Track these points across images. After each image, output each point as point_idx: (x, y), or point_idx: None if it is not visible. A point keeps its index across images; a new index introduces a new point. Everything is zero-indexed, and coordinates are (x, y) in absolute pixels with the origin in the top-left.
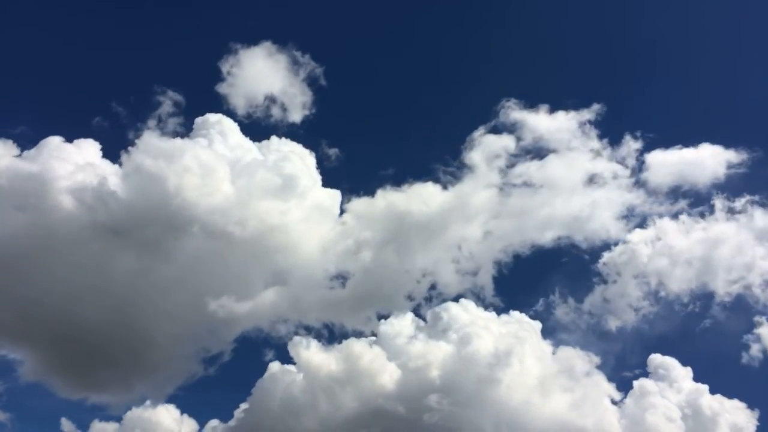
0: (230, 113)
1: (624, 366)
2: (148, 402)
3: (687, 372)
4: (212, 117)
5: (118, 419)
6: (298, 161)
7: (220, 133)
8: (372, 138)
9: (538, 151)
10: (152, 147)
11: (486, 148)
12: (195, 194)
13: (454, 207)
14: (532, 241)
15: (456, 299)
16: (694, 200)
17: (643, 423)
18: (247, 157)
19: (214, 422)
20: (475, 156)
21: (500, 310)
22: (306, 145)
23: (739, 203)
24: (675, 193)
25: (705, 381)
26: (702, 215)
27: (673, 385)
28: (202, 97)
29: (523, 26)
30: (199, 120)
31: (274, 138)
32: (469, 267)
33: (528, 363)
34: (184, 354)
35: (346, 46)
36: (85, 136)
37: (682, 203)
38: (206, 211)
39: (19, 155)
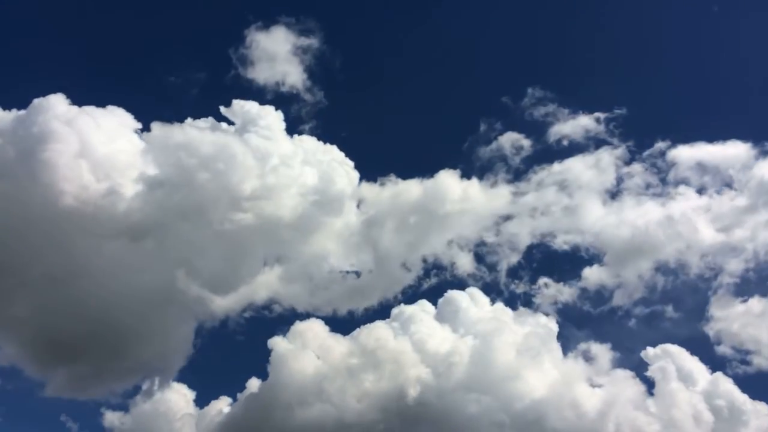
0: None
1: (642, 357)
2: (156, 386)
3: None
4: (248, 105)
5: (126, 408)
6: (345, 178)
7: (267, 128)
8: (390, 126)
9: (559, 151)
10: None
11: (507, 145)
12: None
13: (470, 199)
14: (550, 239)
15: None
16: (718, 193)
17: (670, 415)
18: (291, 163)
19: (224, 400)
20: (496, 152)
21: (513, 306)
22: (321, 130)
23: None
24: (700, 187)
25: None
26: (725, 205)
27: (692, 377)
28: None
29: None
30: (237, 107)
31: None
32: (481, 259)
33: (544, 357)
34: (191, 336)
35: (366, 33)
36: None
37: (706, 196)
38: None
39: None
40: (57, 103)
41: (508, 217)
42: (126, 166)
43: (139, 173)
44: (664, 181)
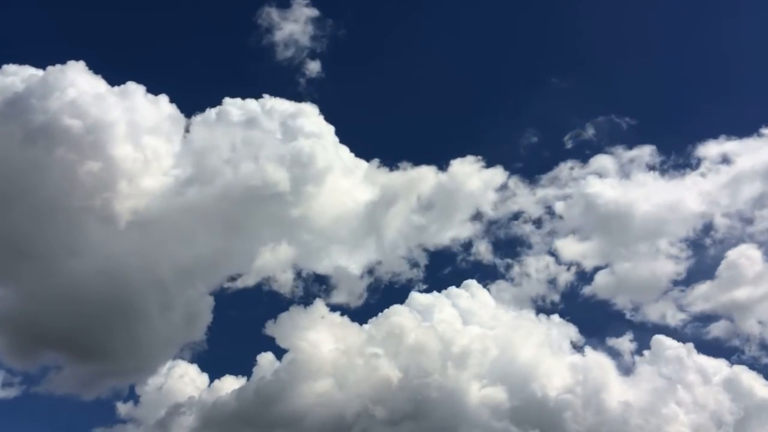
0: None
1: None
2: (167, 371)
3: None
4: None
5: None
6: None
7: (318, 135)
8: (410, 113)
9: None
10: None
11: (527, 138)
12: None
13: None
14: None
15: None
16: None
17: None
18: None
19: (234, 380)
20: (516, 144)
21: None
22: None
23: None
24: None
25: None
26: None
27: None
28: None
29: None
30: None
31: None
32: (493, 250)
33: (551, 348)
34: (200, 321)
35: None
36: None
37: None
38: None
39: None
40: (80, 74)
41: (522, 211)
42: (151, 153)
43: (163, 160)
44: (685, 168)
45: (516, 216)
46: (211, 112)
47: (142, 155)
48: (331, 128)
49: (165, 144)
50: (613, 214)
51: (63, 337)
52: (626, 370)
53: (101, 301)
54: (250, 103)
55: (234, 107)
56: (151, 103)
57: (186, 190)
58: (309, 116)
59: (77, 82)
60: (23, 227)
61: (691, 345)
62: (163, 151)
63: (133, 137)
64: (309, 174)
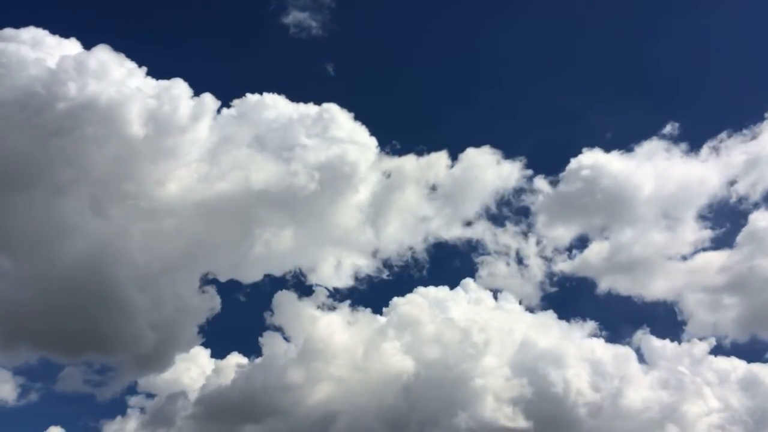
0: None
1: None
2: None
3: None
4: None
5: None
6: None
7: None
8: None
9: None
10: None
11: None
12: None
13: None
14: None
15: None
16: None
17: None
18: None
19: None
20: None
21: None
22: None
23: None
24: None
25: None
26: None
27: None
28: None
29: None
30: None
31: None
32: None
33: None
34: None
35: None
36: None
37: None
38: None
39: None
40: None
41: (531, 206)
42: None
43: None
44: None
45: (526, 211)
46: (230, 109)
47: (157, 148)
48: (342, 109)
49: (180, 137)
50: (626, 198)
51: (65, 335)
52: (644, 362)
53: (103, 295)
54: (266, 97)
55: (246, 102)
56: (169, 94)
57: (197, 185)
58: (324, 107)
59: (93, 65)
60: (30, 215)
61: (713, 340)
62: (178, 145)
63: (148, 128)
64: (317, 167)
